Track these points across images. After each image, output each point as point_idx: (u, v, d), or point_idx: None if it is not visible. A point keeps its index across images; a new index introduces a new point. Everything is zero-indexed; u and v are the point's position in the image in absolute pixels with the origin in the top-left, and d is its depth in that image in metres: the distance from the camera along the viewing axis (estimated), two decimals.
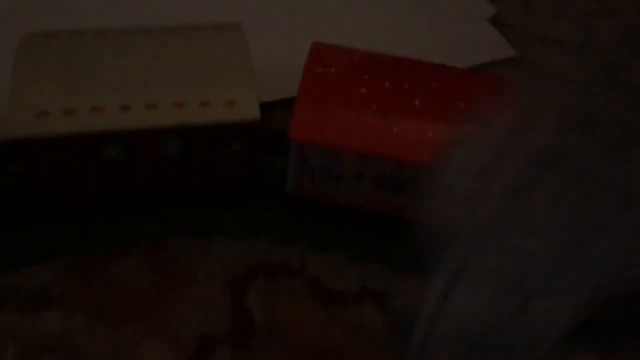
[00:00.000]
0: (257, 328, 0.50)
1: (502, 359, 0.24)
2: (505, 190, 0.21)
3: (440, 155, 0.25)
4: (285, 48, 0.56)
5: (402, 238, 0.52)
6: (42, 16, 0.62)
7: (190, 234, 0.53)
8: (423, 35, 0.66)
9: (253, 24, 0.53)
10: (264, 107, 0.53)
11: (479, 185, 0.22)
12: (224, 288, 0.51)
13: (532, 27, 0.76)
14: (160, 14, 0.63)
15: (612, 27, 0.57)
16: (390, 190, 0.48)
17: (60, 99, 0.43)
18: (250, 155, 0.48)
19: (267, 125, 0.53)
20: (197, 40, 0.46)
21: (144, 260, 0.52)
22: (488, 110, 0.25)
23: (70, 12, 0.62)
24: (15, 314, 0.48)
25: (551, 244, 0.20)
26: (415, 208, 0.30)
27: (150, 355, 0.48)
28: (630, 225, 0.20)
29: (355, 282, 0.53)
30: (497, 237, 0.21)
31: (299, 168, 0.48)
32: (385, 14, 0.68)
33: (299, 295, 0.52)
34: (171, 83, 0.45)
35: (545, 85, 0.22)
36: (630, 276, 0.20)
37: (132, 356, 0.48)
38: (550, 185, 0.20)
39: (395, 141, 0.46)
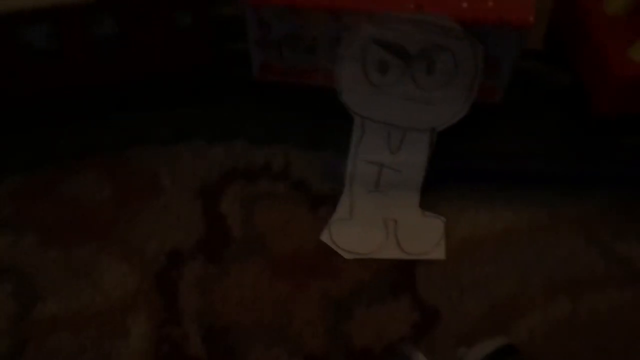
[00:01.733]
0: (233, 237, 0.43)
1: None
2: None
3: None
4: None
5: None
6: None
7: (154, 140, 0.46)
8: None
9: None
10: None
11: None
12: (194, 196, 0.44)
13: None
14: None
15: None
16: None
17: None
18: (203, 32, 0.40)
19: (227, 13, 0.45)
20: None
21: (103, 173, 0.45)
22: None
23: None
24: None
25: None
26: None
27: (110, 275, 0.41)
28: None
29: None
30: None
31: (262, 41, 0.40)
32: None
33: (281, 200, 0.44)
34: None
35: None
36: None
37: (89, 278, 0.41)
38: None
39: None
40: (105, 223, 0.43)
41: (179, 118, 0.46)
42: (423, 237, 0.41)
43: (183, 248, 0.42)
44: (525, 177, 0.43)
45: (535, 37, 0.46)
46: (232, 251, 0.42)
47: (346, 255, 0.40)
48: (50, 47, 0.39)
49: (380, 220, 0.42)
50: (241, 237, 0.43)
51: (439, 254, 0.41)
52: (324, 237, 0.41)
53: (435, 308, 0.40)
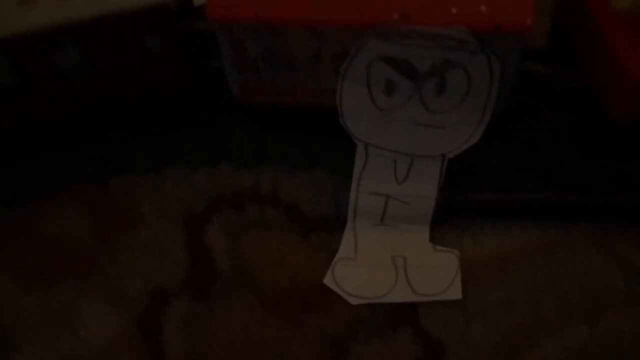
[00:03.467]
0: (220, 271, 0.40)
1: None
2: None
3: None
4: None
5: None
6: None
7: (135, 169, 0.43)
8: None
9: None
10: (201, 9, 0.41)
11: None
12: (178, 228, 0.41)
13: None
14: None
15: None
16: None
17: None
18: (178, 53, 0.37)
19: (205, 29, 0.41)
20: None
21: (82, 208, 0.42)
22: None
23: None
24: None
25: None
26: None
27: (91, 317, 0.39)
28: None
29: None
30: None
31: (237, 61, 0.37)
32: None
33: (271, 227, 0.41)
34: None
35: None
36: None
37: (68, 323, 0.39)
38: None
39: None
40: (84, 262, 0.41)
41: (160, 144, 0.43)
42: (436, 275, 0.38)
43: (167, 286, 0.39)
44: (537, 203, 0.40)
45: (539, 34, 0.43)
46: (219, 287, 0.39)
47: (352, 301, 0.37)
48: (13, 81, 0.36)
49: (389, 258, 0.39)
50: (228, 271, 0.40)
51: (455, 293, 0.37)
52: (328, 281, 0.38)
53: (439, 340, 0.37)
